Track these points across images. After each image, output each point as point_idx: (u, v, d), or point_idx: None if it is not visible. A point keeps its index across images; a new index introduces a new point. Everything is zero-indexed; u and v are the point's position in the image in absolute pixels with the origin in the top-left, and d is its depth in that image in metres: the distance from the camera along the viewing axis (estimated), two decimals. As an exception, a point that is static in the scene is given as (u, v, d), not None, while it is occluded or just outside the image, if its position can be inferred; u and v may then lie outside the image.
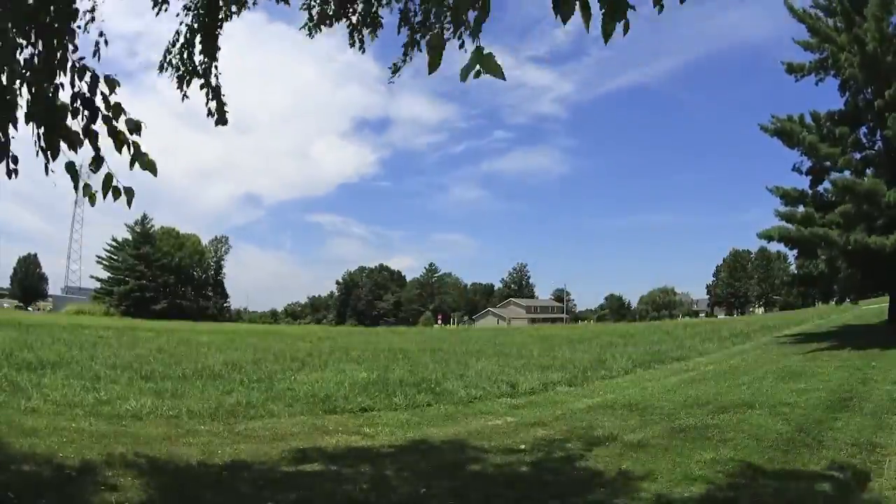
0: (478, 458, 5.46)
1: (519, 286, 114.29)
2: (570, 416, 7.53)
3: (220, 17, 4.15)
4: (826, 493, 4.37)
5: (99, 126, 2.50)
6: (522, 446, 5.93)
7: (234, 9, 4.21)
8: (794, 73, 18.23)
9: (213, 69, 4.17)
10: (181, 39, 4.17)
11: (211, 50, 4.12)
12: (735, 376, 10.65)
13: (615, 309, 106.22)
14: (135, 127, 2.47)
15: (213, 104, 4.14)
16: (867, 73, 15.40)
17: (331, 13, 4.48)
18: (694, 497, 4.33)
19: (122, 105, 2.47)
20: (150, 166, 2.48)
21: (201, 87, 4.15)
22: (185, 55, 4.17)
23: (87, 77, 2.47)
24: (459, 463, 5.32)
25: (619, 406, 8.10)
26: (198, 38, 4.09)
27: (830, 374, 10.21)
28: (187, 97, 4.27)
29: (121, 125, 2.48)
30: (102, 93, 2.47)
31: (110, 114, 2.48)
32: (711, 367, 12.71)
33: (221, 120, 4.16)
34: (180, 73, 4.19)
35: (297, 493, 4.35)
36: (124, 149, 2.48)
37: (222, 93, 4.18)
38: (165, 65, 4.22)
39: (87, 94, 2.48)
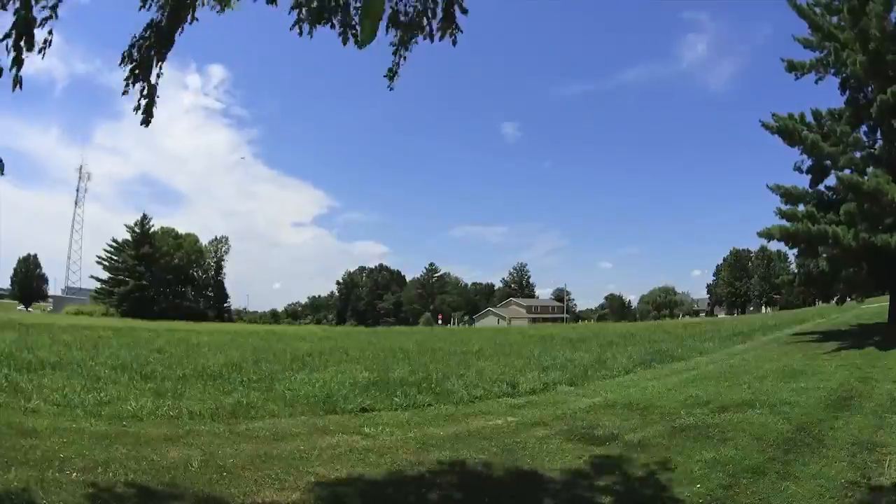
0: (478, 458, 5.46)
1: (519, 286, 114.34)
2: (571, 415, 7.53)
3: (186, 15, 4.05)
4: (826, 492, 4.36)
5: None
6: (523, 446, 5.93)
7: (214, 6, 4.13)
8: (795, 71, 18.19)
9: (158, 68, 4.09)
10: (147, 34, 4.06)
11: (163, 47, 4.04)
12: (735, 375, 10.64)
13: (616, 308, 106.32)
14: None
15: (144, 101, 4.06)
16: (870, 70, 15.38)
17: (325, 11, 4.38)
18: (695, 496, 4.33)
19: None
20: None
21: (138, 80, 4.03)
22: (143, 49, 4.06)
23: None
24: (460, 463, 5.32)
25: (619, 405, 8.10)
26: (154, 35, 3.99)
27: (831, 373, 10.21)
28: (126, 93, 4.14)
29: None
30: None
31: None
32: (712, 366, 12.70)
33: (147, 120, 4.09)
34: (133, 66, 4.07)
35: (298, 493, 4.35)
36: None
37: (157, 94, 4.10)
38: (125, 56, 4.13)
39: None
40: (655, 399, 8.51)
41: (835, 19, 16.95)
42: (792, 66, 18.22)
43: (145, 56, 4.02)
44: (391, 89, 4.71)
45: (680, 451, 5.54)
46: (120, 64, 4.06)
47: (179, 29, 4.09)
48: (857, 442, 5.60)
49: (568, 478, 4.88)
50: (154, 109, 4.09)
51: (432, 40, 4.42)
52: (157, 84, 4.08)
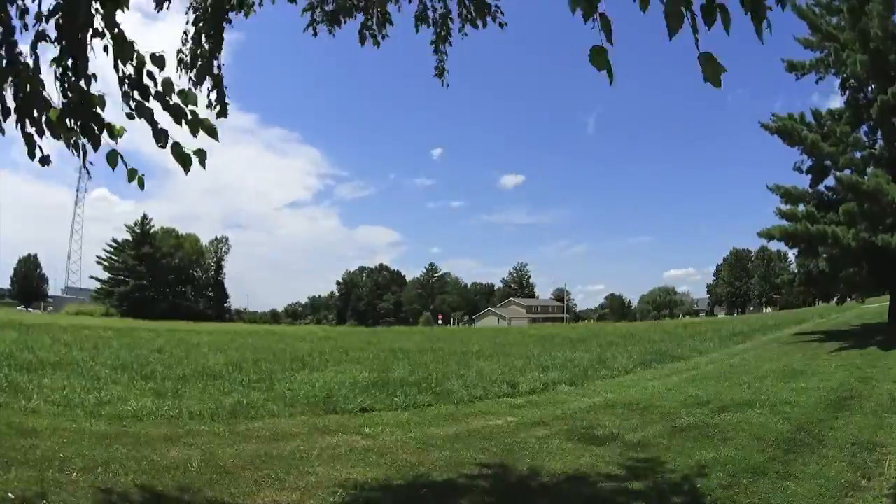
0: (478, 458, 5.46)
1: (519, 286, 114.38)
2: (571, 415, 7.53)
3: (226, 8, 4.04)
4: (826, 492, 4.36)
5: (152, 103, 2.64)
6: (523, 446, 5.93)
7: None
8: (795, 72, 18.22)
9: (217, 59, 4.08)
10: (190, 35, 4.06)
11: (217, 39, 4.04)
12: (735, 375, 10.64)
13: (616, 308, 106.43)
14: (190, 99, 2.64)
15: (213, 95, 4.05)
16: (871, 70, 15.39)
17: (343, 10, 4.36)
18: (695, 496, 4.33)
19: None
20: (211, 131, 2.64)
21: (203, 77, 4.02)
22: (195, 51, 4.06)
23: (133, 59, 2.59)
24: (460, 463, 5.32)
25: (619, 405, 8.10)
26: (202, 31, 3.98)
27: (831, 373, 10.21)
28: (200, 91, 4.13)
29: (174, 99, 2.62)
30: (149, 72, 2.62)
31: (162, 90, 2.62)
32: (712, 366, 12.71)
33: (223, 112, 4.08)
34: (195, 70, 4.07)
35: (298, 493, 4.35)
36: (183, 121, 2.61)
37: (224, 84, 4.09)
38: (178, 67, 4.13)
39: (134, 76, 2.62)
40: (655, 399, 8.51)
41: (834, 20, 16.97)
42: (792, 66, 18.24)
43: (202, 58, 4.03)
44: (446, 86, 4.72)
45: (680, 451, 5.54)
46: (177, 71, 4.06)
47: (227, 22, 4.09)
48: (856, 442, 5.60)
49: (569, 478, 4.88)
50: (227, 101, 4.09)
51: (476, 27, 4.33)
52: (222, 74, 4.06)
